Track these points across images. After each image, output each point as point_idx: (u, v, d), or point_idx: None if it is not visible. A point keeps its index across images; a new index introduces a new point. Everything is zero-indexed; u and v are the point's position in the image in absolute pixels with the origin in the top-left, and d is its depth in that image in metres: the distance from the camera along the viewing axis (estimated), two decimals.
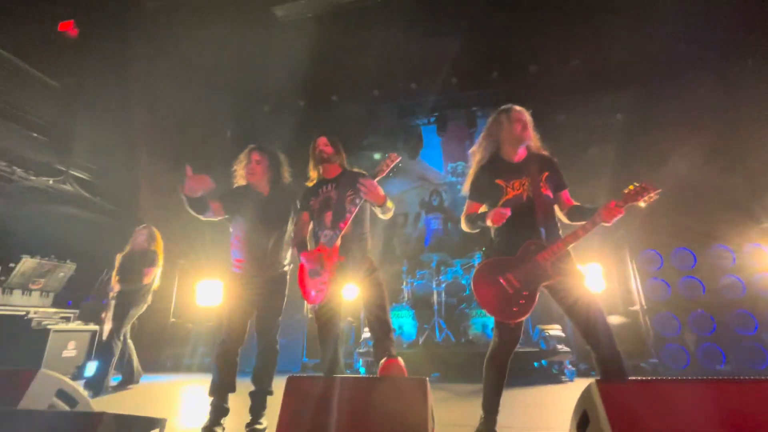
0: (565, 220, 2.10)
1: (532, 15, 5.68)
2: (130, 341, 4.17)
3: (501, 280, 1.91)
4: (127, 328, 4.05)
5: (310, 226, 2.45)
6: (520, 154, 2.13)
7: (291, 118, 7.34)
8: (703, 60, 5.53)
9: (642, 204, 1.77)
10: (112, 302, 4.05)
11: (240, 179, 2.69)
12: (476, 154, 2.19)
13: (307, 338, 5.45)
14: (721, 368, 4.10)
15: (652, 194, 1.74)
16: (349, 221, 2.18)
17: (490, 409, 2.01)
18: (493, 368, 2.01)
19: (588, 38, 5.67)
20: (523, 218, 1.98)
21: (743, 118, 5.07)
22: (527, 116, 2.12)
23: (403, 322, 5.00)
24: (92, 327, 5.11)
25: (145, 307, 4.13)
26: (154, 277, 4.16)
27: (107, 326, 3.99)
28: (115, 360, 3.87)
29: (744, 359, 4.00)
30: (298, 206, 2.56)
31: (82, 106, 5.77)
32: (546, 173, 2.08)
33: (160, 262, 4.23)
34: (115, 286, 4.05)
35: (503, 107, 2.18)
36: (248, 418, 2.39)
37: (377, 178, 2.16)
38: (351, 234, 2.23)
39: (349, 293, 4.34)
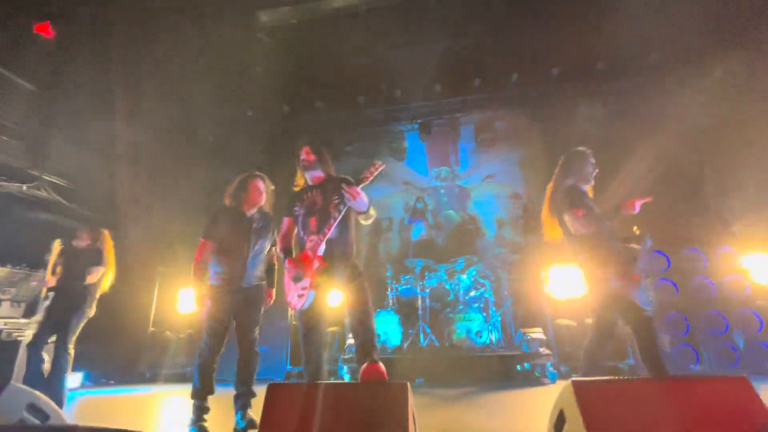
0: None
1: (512, 23, 5.83)
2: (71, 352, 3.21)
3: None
4: (72, 338, 3.17)
5: (295, 231, 2.45)
6: None
7: (275, 123, 7.32)
8: (666, 67, 5.78)
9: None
10: (45, 303, 3.22)
11: (230, 200, 2.72)
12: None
13: (291, 346, 5.38)
14: (695, 368, 4.24)
15: None
16: (333, 227, 2.20)
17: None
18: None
19: (568, 46, 5.85)
20: None
21: (717, 120, 5.30)
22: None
23: (388, 327, 4.99)
24: None
25: (91, 314, 3.31)
26: (99, 279, 3.36)
27: (29, 332, 3.23)
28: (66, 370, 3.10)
29: (717, 359, 4.15)
30: (283, 213, 2.58)
31: (58, 110, 5.61)
32: None
33: (110, 261, 3.47)
34: (50, 282, 3.19)
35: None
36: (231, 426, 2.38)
37: (361, 185, 2.20)
38: (336, 240, 2.24)
39: (334, 299, 4.32)
